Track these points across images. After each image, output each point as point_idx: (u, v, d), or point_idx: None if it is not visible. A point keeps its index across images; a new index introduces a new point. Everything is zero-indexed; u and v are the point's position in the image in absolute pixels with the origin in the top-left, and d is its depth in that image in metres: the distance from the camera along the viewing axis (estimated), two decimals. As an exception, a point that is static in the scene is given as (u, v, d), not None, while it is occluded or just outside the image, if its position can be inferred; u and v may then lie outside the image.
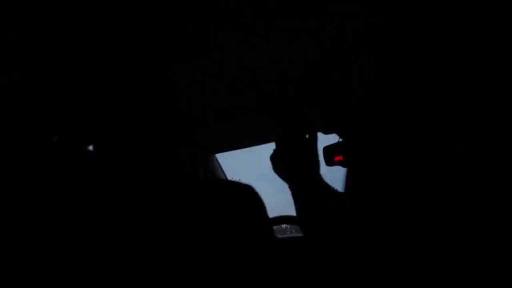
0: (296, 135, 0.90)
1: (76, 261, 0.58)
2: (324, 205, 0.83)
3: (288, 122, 0.91)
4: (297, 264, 0.80)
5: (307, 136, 0.91)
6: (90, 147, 0.77)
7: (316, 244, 0.83)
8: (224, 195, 0.77)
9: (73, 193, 0.62)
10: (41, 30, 0.69)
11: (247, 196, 0.79)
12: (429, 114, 0.30)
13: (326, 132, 1.28)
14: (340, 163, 1.23)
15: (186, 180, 0.80)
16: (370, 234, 0.32)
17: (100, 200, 0.64)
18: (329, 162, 1.25)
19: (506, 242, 0.25)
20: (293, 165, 0.89)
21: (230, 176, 2.54)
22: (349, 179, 0.36)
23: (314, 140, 0.92)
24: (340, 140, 1.24)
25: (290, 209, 1.05)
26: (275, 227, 1.88)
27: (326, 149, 1.25)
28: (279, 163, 0.92)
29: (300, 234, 1.87)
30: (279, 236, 1.69)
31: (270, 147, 0.93)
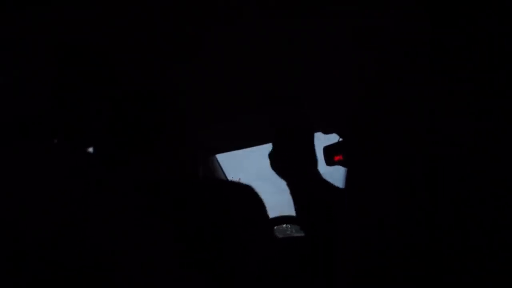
0: (291, 132, 0.90)
1: (76, 261, 0.58)
2: (323, 202, 0.83)
3: (286, 121, 0.91)
4: (297, 264, 0.80)
5: (304, 134, 0.91)
6: (90, 148, 0.77)
7: (316, 244, 0.83)
8: (224, 195, 0.77)
9: (73, 193, 0.62)
10: (41, 30, 0.69)
11: (247, 196, 0.79)
12: (429, 114, 0.30)
13: (326, 132, 1.28)
14: (340, 163, 1.23)
15: (186, 180, 0.80)
16: (370, 234, 0.32)
17: (100, 200, 0.64)
18: (329, 162, 1.25)
19: (506, 242, 0.25)
20: (291, 163, 0.89)
21: (230, 176, 2.54)
22: (349, 179, 0.36)
23: (311, 136, 0.91)
24: (340, 140, 1.24)
25: (290, 209, 1.05)
26: (275, 227, 1.88)
27: (326, 149, 1.25)
28: (276, 161, 0.92)
29: (300, 234, 1.87)
30: (279, 236, 1.69)
31: (270, 147, 0.93)
